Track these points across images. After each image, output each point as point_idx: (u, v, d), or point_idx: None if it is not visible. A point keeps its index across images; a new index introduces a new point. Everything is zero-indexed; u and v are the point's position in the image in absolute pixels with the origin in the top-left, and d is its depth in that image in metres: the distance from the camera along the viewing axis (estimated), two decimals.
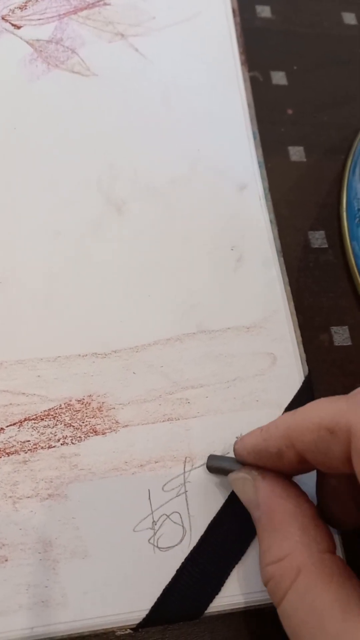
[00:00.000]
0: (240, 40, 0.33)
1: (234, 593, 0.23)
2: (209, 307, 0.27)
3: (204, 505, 0.24)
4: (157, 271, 0.28)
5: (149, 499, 0.24)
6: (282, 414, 0.26)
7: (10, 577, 0.22)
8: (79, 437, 0.24)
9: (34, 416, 0.24)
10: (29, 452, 0.24)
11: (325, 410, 0.20)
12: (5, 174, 0.28)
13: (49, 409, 0.25)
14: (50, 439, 0.24)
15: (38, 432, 0.24)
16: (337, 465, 0.19)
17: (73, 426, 0.24)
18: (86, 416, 0.25)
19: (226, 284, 0.28)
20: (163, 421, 0.25)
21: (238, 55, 0.33)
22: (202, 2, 0.34)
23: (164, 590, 0.23)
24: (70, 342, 0.26)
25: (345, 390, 0.29)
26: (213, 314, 0.27)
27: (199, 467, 0.25)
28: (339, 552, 0.24)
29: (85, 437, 0.24)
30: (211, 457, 0.24)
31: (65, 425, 0.24)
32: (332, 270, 0.31)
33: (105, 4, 0.33)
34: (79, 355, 0.26)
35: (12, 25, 0.31)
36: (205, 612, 0.23)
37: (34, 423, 0.24)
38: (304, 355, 0.27)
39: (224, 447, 0.25)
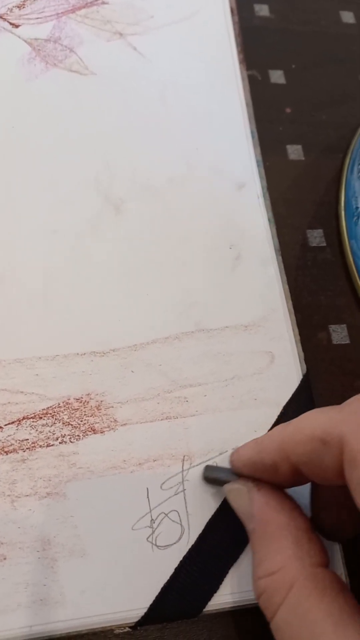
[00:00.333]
0: (239, 38, 0.33)
1: (232, 591, 0.23)
2: (207, 306, 0.27)
3: (202, 503, 0.24)
4: (155, 270, 0.28)
5: (148, 497, 0.24)
6: (280, 413, 0.26)
7: (9, 576, 0.22)
8: (78, 435, 0.24)
9: (33, 415, 0.24)
10: (27, 450, 0.24)
11: (318, 421, 0.19)
12: (3, 173, 0.28)
13: (48, 408, 0.25)
14: (48, 438, 0.24)
15: (36, 430, 0.24)
16: (330, 477, 0.19)
17: (71, 425, 0.24)
18: (84, 415, 0.25)
19: (224, 282, 0.28)
20: (161, 420, 0.25)
21: (236, 54, 0.33)
22: (201, 0, 0.34)
23: (163, 588, 0.23)
24: (68, 341, 0.26)
25: (343, 388, 0.29)
26: (211, 312, 0.27)
27: (197, 465, 0.25)
28: (341, 563, 0.24)
29: (84, 436, 0.24)
30: (208, 468, 0.24)
31: (63, 423, 0.24)
32: (330, 268, 0.31)
33: (103, 3, 0.33)
34: (78, 354, 0.26)
35: (10, 24, 0.31)
36: (204, 610, 0.23)
37: (33, 422, 0.24)
38: (302, 354, 0.28)
39: (222, 445, 0.25)
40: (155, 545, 0.23)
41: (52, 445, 0.24)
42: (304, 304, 0.30)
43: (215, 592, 0.23)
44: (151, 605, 0.22)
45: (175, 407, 0.26)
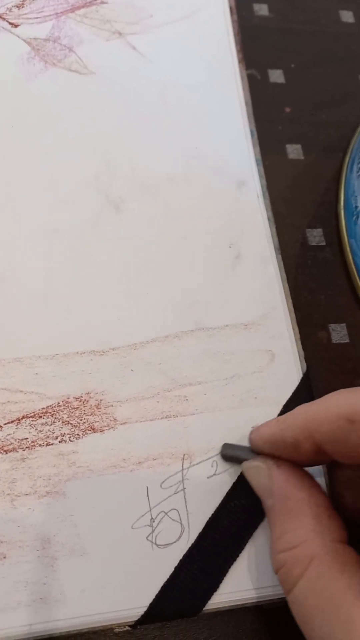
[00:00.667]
0: (238, 38, 0.33)
1: (232, 590, 0.23)
2: (207, 305, 0.27)
3: (202, 502, 0.24)
4: (155, 269, 0.28)
5: (147, 496, 0.24)
6: (280, 412, 0.26)
7: (9, 575, 0.22)
8: (77, 434, 0.24)
9: (32, 414, 0.24)
10: (27, 449, 0.24)
11: (345, 400, 0.20)
12: (3, 172, 0.28)
13: (47, 407, 0.25)
14: (48, 437, 0.24)
15: (36, 429, 0.24)
16: (355, 455, 0.19)
17: (71, 424, 0.24)
18: (84, 414, 0.25)
19: (224, 281, 0.28)
20: (161, 418, 0.25)
21: (236, 53, 0.33)
22: (200, 0, 0.34)
23: (163, 587, 0.23)
24: (68, 340, 0.26)
25: (343, 387, 0.28)
26: (211, 311, 0.27)
27: (197, 464, 0.25)
28: None
29: (84, 435, 0.24)
30: (226, 446, 0.25)
31: (63, 422, 0.24)
32: (330, 267, 0.31)
33: (102, 2, 0.33)
34: (77, 352, 0.26)
35: (10, 23, 0.31)
36: (204, 609, 0.23)
37: (32, 420, 0.24)
38: (302, 353, 0.28)
39: (222, 444, 0.25)
40: (155, 544, 0.23)
41: (52, 444, 0.24)
42: (303, 302, 0.30)
43: (215, 591, 0.23)
44: (151, 604, 0.22)
45: (175, 405, 0.26)
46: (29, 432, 0.24)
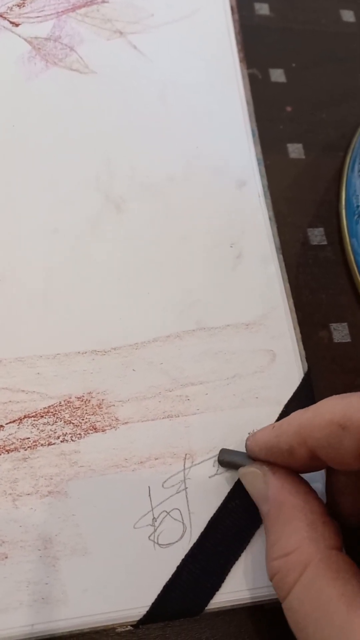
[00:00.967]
0: (239, 37, 0.33)
1: (234, 589, 0.23)
2: (208, 304, 0.27)
3: (204, 501, 0.24)
4: (156, 268, 0.28)
5: (149, 495, 0.24)
6: (281, 411, 0.26)
7: (11, 575, 0.22)
8: (79, 434, 0.24)
9: (34, 413, 0.24)
10: (28, 449, 0.24)
11: (337, 406, 0.20)
12: (3, 172, 0.28)
13: (49, 406, 0.25)
14: (50, 436, 0.24)
15: (38, 429, 0.24)
16: (348, 461, 0.19)
17: (73, 423, 0.24)
18: (86, 413, 0.25)
19: (225, 281, 0.28)
20: (163, 418, 0.25)
21: (236, 53, 0.33)
22: None
23: (165, 586, 0.23)
24: (69, 340, 0.26)
25: (344, 387, 0.29)
26: (212, 311, 0.27)
27: (198, 463, 0.25)
28: None
29: (85, 434, 0.24)
30: (223, 451, 0.25)
31: (65, 422, 0.24)
32: (331, 267, 0.31)
33: (103, 2, 0.33)
34: (79, 352, 0.26)
35: (10, 22, 0.31)
36: (206, 608, 0.23)
37: (34, 420, 0.24)
38: (303, 352, 0.27)
39: (223, 444, 0.25)
40: (157, 543, 0.23)
41: (54, 443, 0.24)
42: (304, 302, 0.30)
43: (217, 590, 0.23)
44: (153, 604, 0.22)
45: (176, 405, 0.25)
46: (31, 432, 0.24)
